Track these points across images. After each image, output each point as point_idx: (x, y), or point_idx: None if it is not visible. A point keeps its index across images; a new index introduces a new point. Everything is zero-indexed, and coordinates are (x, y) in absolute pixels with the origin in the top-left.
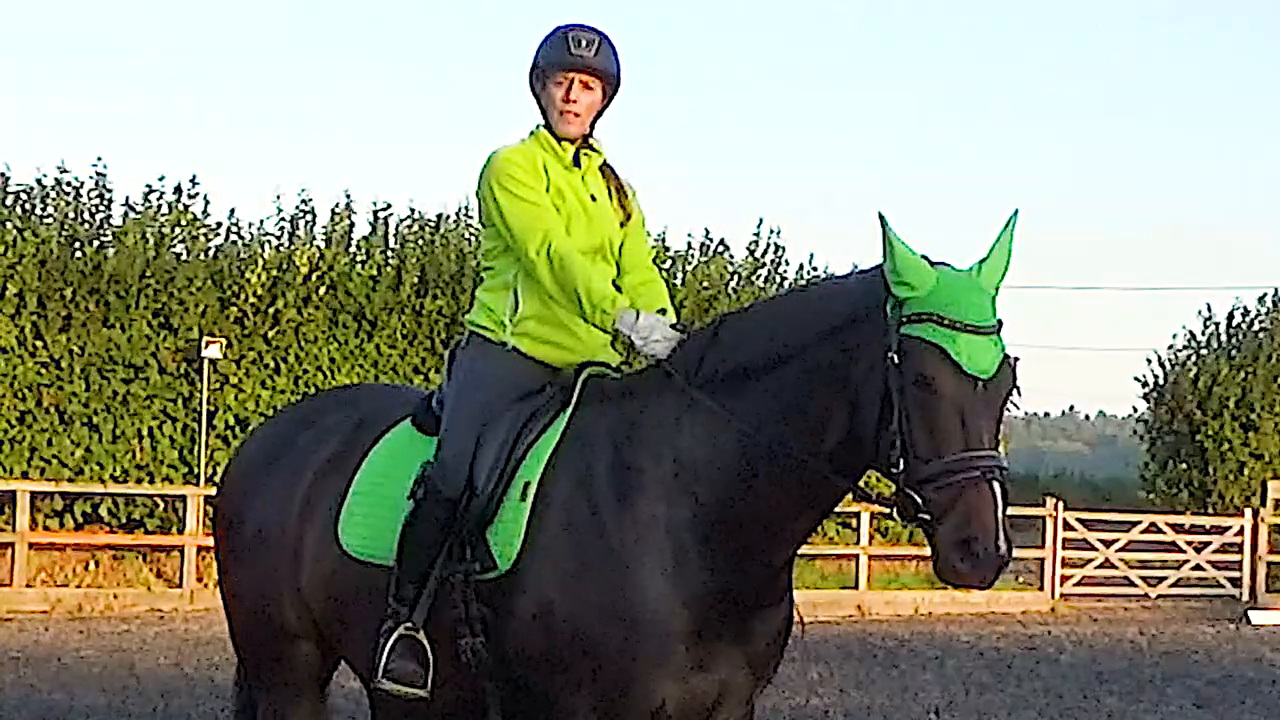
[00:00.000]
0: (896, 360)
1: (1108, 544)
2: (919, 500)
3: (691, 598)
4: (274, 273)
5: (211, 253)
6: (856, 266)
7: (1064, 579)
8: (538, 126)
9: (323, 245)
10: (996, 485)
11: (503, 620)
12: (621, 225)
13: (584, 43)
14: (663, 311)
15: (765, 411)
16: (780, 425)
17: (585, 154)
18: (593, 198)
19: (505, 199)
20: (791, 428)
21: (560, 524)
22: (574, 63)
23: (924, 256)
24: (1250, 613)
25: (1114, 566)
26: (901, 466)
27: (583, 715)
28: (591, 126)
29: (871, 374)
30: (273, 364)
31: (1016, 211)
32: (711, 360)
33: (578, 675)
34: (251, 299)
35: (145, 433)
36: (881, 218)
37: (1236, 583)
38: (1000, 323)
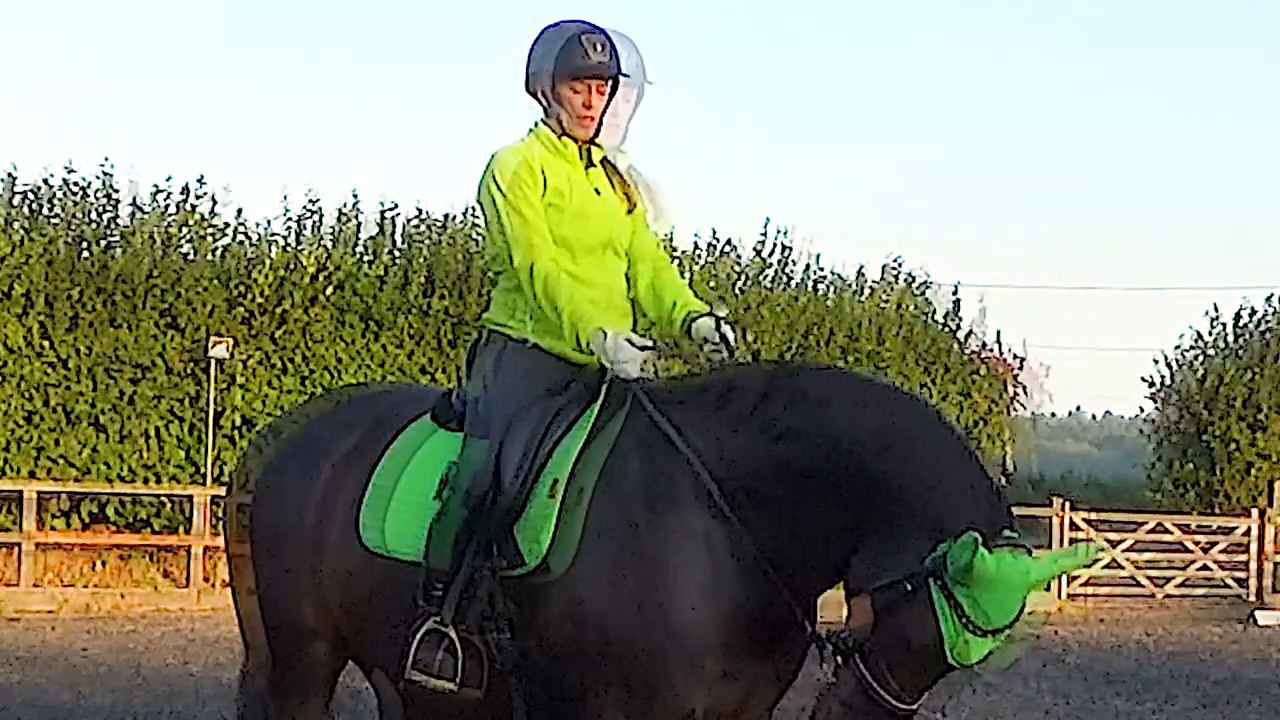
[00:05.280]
0: (908, 588)
1: (1114, 544)
2: (842, 657)
3: (726, 615)
4: (281, 273)
5: (219, 253)
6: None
7: (1070, 579)
8: (537, 123)
9: (330, 245)
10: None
11: (530, 616)
12: (628, 214)
13: (599, 47)
14: (679, 313)
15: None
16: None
17: (590, 148)
18: (597, 191)
19: (501, 205)
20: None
21: (590, 523)
22: (593, 71)
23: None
24: (1257, 613)
25: (1120, 567)
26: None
27: (609, 715)
28: (599, 125)
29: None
30: (280, 364)
31: (1092, 547)
32: (772, 405)
33: (605, 674)
34: (258, 299)
35: (152, 433)
36: (977, 540)
37: (1243, 583)
38: (1015, 619)
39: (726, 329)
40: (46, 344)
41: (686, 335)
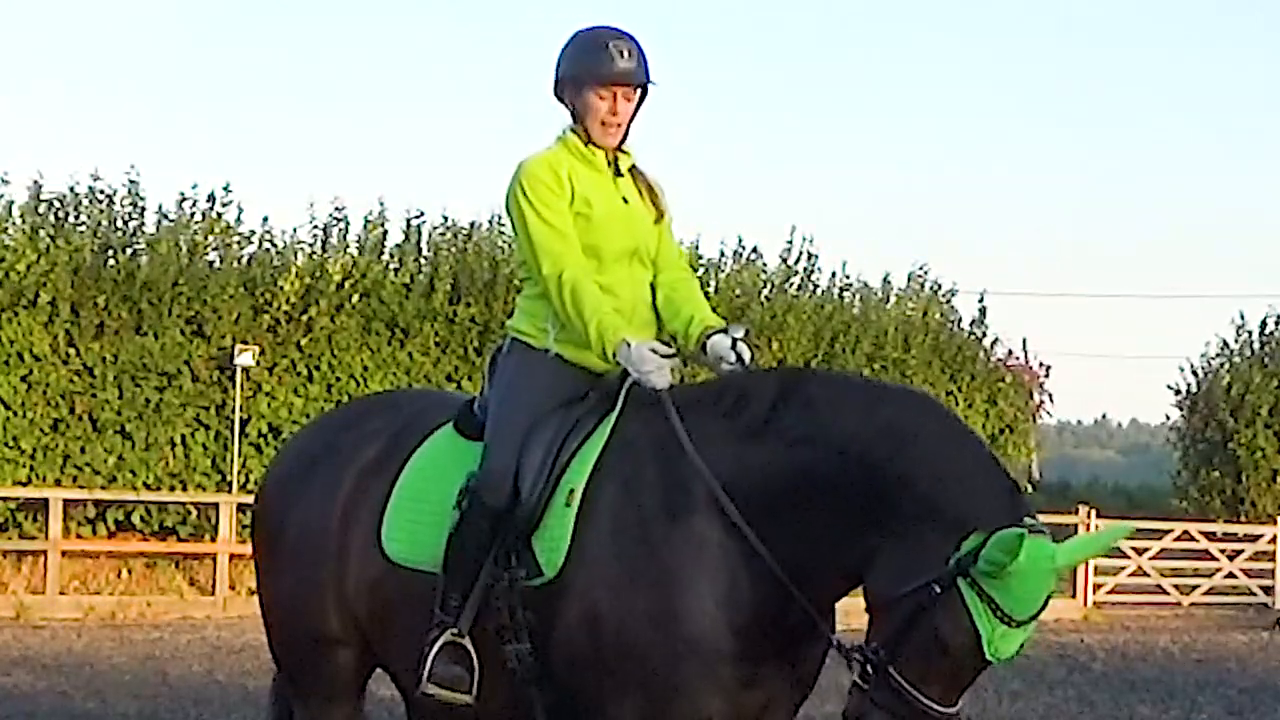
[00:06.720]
0: (937, 590)
1: (1140, 552)
2: (870, 670)
3: (742, 622)
4: (307, 280)
5: (244, 260)
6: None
7: (1096, 587)
8: (566, 130)
9: (356, 253)
10: None
11: (549, 626)
12: (656, 223)
13: (626, 54)
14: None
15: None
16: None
17: (618, 156)
18: (625, 200)
19: (529, 214)
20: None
21: (608, 532)
22: (619, 77)
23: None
24: None
25: (1146, 574)
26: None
27: None
28: (625, 133)
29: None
30: (305, 372)
31: (1124, 530)
32: (784, 412)
33: (624, 683)
34: (284, 307)
35: (178, 440)
36: (1021, 537)
37: (1269, 590)
38: (1043, 606)
39: (742, 347)
40: (72, 351)
41: (702, 351)
